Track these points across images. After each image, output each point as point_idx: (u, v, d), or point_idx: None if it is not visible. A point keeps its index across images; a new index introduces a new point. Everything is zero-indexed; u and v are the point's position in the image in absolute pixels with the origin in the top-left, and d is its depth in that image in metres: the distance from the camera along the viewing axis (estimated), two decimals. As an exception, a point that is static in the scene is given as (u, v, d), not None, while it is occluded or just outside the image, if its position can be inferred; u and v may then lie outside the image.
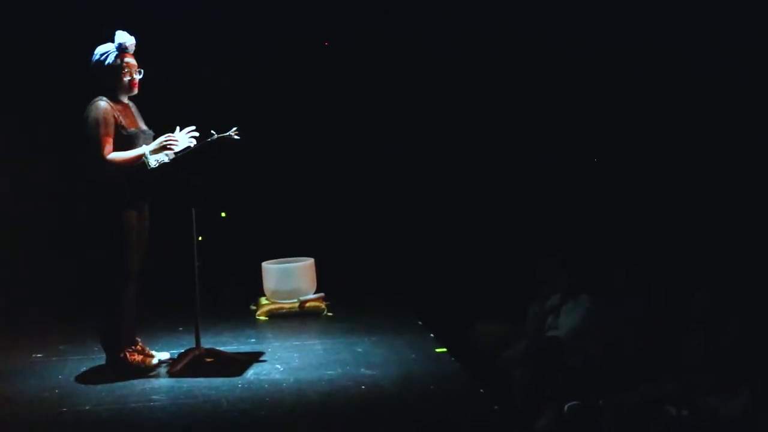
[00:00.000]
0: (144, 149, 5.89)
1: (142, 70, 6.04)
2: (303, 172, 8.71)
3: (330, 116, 8.73)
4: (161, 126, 6.14)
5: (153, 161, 5.87)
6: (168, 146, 5.90)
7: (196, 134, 6.04)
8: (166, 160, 5.92)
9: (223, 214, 8.80)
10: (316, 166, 8.73)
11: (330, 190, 8.71)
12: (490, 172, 8.79)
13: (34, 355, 6.60)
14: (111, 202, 5.90)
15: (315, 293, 7.76)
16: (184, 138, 6.00)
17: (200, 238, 6.20)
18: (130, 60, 6.01)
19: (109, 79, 5.98)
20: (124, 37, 5.97)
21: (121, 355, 6.06)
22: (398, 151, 8.73)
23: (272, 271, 7.78)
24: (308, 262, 7.84)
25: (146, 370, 6.08)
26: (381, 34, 8.59)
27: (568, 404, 5.43)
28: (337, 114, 8.73)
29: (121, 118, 5.94)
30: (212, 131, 5.97)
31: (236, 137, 5.99)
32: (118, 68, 5.96)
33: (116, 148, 5.88)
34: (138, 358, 6.13)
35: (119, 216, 5.91)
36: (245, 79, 8.56)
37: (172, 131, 5.99)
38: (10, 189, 8.24)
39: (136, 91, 6.06)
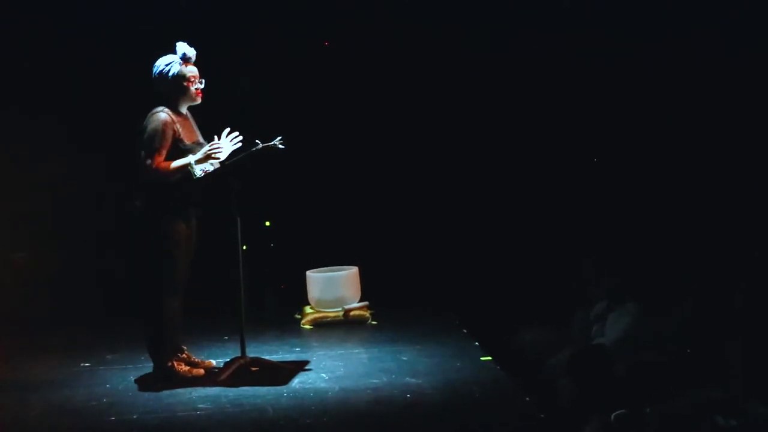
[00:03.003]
0: (189, 159, 5.92)
1: (204, 80, 6.09)
2: (346, 180, 8.72)
3: (372, 125, 8.73)
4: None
5: (198, 171, 5.90)
6: (213, 155, 5.93)
7: (238, 136, 6.07)
8: (212, 169, 5.95)
9: (267, 223, 8.84)
10: (360, 174, 8.74)
11: (374, 199, 8.71)
12: (536, 178, 8.76)
13: (82, 364, 6.66)
14: (160, 212, 5.95)
15: (359, 302, 7.77)
16: (227, 144, 6.03)
17: (245, 247, 6.23)
18: (193, 69, 6.06)
19: (173, 90, 6.01)
20: (185, 48, 6.03)
21: (169, 364, 6.10)
22: (442, 161, 8.74)
23: (317, 279, 7.79)
24: (352, 271, 7.85)
25: (193, 381, 6.11)
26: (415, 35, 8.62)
27: (615, 413, 5.39)
28: (380, 123, 8.73)
29: (180, 131, 5.97)
30: (257, 140, 6.00)
31: (281, 146, 6.02)
32: (182, 78, 6.00)
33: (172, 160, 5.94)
34: (185, 368, 6.17)
35: (168, 227, 5.96)
36: (287, 87, 8.59)
37: (212, 140, 6.03)
38: (57, 197, 8.32)
39: (199, 100, 6.09)
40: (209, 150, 5.92)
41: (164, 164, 5.90)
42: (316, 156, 8.49)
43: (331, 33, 8.73)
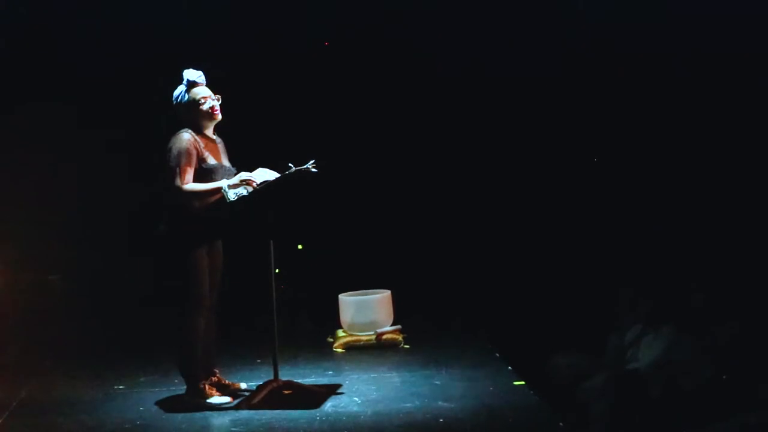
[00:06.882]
0: (222, 183, 5.99)
1: (220, 96, 6.14)
2: (379, 204, 8.73)
3: (404, 148, 8.73)
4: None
5: (232, 194, 5.94)
6: (248, 182, 5.99)
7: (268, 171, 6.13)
8: (245, 193, 5.98)
9: (300, 247, 8.86)
10: (392, 198, 8.74)
11: (406, 222, 8.71)
12: (569, 203, 8.72)
13: (115, 387, 6.68)
14: (182, 237, 5.99)
15: (392, 325, 7.75)
16: (262, 175, 6.08)
17: (277, 270, 6.24)
18: (202, 90, 6.13)
19: (189, 114, 6.09)
20: (190, 74, 6.12)
21: (201, 386, 6.11)
22: (473, 185, 8.73)
23: (349, 303, 7.79)
24: (385, 294, 7.84)
25: (221, 405, 6.12)
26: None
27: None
28: (412, 146, 8.73)
29: (204, 151, 6.04)
30: (290, 164, 6.02)
31: (314, 170, 6.04)
32: (193, 102, 6.09)
33: (196, 181, 5.99)
34: (214, 392, 6.17)
35: (189, 251, 5.99)
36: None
37: (249, 168, 6.08)
38: (92, 218, 8.36)
39: (219, 117, 6.14)
40: (245, 177, 5.98)
41: (194, 185, 5.97)
42: (349, 179, 8.50)
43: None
